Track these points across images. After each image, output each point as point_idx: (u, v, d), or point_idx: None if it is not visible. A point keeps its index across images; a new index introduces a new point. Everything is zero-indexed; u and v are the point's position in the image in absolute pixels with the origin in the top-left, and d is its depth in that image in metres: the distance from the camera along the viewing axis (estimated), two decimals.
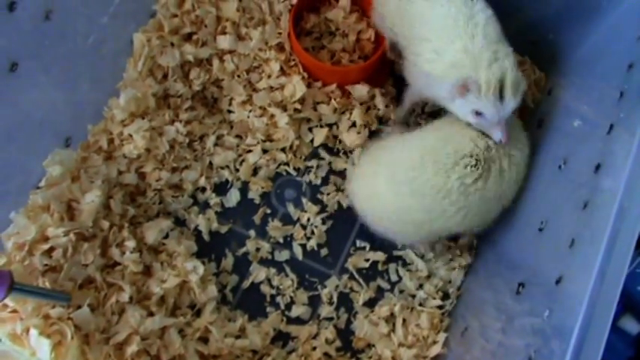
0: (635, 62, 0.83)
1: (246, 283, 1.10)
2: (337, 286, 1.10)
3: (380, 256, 1.13)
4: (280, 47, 1.17)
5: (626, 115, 0.78)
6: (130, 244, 1.03)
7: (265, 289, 1.10)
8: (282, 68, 1.16)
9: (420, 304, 1.09)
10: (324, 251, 1.13)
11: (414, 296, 1.10)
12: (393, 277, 1.12)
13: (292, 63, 1.17)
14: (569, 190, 0.86)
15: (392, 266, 1.13)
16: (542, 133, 1.09)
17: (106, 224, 1.02)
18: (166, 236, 1.08)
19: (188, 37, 1.14)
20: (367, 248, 1.14)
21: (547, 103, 1.15)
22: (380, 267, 1.12)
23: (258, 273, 1.10)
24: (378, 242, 1.13)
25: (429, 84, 0.98)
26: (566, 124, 1.01)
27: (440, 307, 1.09)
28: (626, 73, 0.84)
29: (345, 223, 1.15)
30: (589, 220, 0.76)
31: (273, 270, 1.11)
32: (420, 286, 1.11)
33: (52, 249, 0.95)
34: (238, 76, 1.16)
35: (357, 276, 1.11)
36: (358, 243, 1.14)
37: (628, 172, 0.71)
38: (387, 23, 1.10)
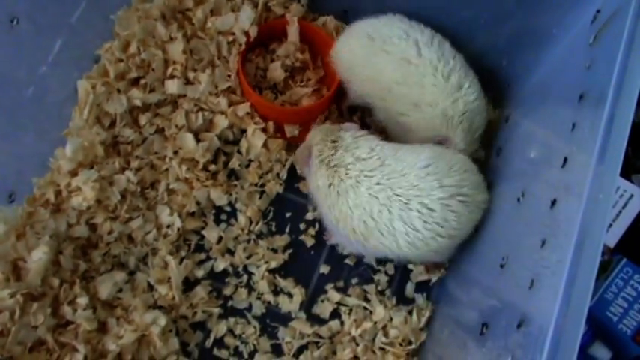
0: (585, 93, 0.81)
1: (208, 342, 1.06)
2: (299, 332, 1.07)
3: (341, 298, 1.10)
4: (231, 90, 1.15)
5: (577, 148, 0.76)
6: (83, 300, 0.98)
7: (229, 340, 1.06)
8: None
9: (384, 345, 1.05)
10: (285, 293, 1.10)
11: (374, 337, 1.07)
12: (357, 316, 1.09)
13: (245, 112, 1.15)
14: (528, 225, 0.84)
15: (355, 308, 1.09)
16: (501, 162, 1.07)
17: (56, 281, 0.98)
18: (121, 290, 1.03)
19: (135, 82, 1.11)
20: (329, 289, 1.11)
21: (504, 132, 1.14)
22: (343, 308, 1.10)
23: (219, 328, 1.06)
24: (341, 281, 1.11)
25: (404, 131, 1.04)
26: (523, 154, 0.99)
27: (408, 344, 1.06)
28: (577, 103, 0.82)
29: (307, 264, 1.13)
30: (547, 258, 0.73)
31: (232, 319, 1.08)
32: (384, 328, 1.07)
33: None
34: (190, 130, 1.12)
35: (319, 319, 1.09)
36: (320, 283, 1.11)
37: (583, 210, 0.69)
38: (357, 92, 1.10)
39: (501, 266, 0.88)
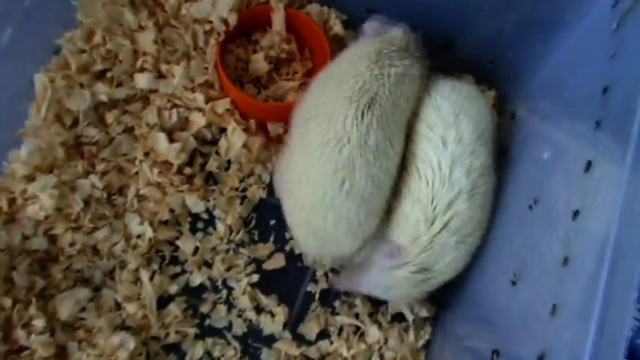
0: (609, 85, 0.71)
1: None
2: (285, 354, 0.97)
3: (330, 316, 1.01)
4: (208, 85, 1.05)
5: (605, 149, 0.66)
6: (39, 322, 0.89)
7: None
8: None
9: None
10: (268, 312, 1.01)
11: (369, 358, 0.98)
12: (348, 336, 1.00)
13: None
14: (544, 238, 0.74)
15: (346, 327, 1.00)
16: (508, 163, 0.97)
17: (8, 302, 0.88)
18: (84, 309, 0.94)
19: (100, 76, 1.01)
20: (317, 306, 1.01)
21: (510, 129, 1.03)
22: (332, 327, 1.01)
23: (195, 350, 0.96)
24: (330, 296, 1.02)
25: None
26: (534, 155, 0.89)
27: None
28: (600, 97, 0.71)
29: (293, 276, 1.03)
30: (572, 278, 0.63)
31: (210, 340, 0.98)
32: (379, 349, 0.97)
33: None
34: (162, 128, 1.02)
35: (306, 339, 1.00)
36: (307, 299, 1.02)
37: (617, 223, 0.58)
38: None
39: (513, 283, 0.77)
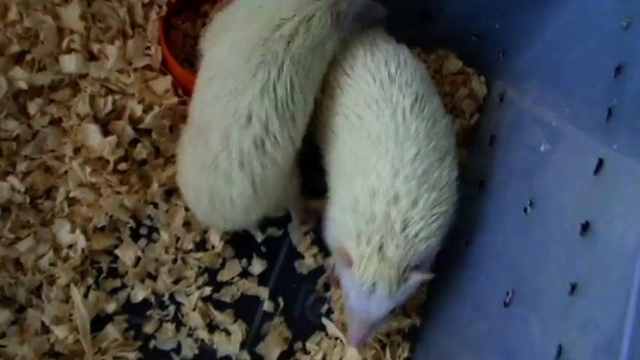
0: (624, 64, 0.57)
1: None
2: None
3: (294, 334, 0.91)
4: (149, 68, 0.97)
5: (619, 147, 0.53)
6: None
7: None
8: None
9: None
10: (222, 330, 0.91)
11: None
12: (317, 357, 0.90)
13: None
14: (545, 250, 0.62)
15: (313, 347, 0.90)
16: (496, 154, 0.86)
17: None
18: (4, 334, 0.85)
19: (19, 59, 0.94)
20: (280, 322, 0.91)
21: (499, 113, 0.92)
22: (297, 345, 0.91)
23: None
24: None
25: None
26: (527, 145, 0.78)
27: None
28: (612, 80, 0.58)
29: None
30: (585, 312, 0.50)
31: None
32: None
33: None
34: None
35: None
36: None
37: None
38: None
39: (505, 305, 0.65)
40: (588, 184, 0.56)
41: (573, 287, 0.52)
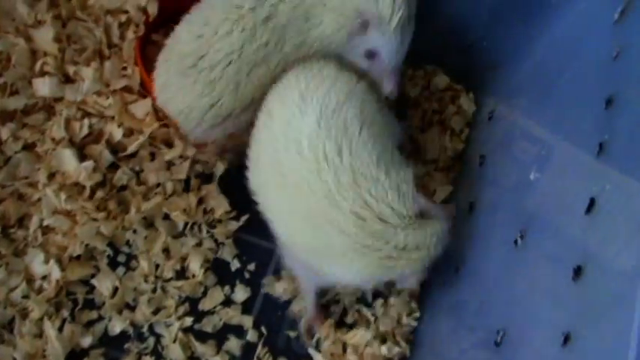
0: (614, 95, 0.54)
1: None
2: None
3: None
4: (128, 89, 0.94)
5: (614, 187, 0.50)
6: None
7: None
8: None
9: None
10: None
11: None
12: None
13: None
14: (537, 291, 0.59)
15: None
16: (485, 175, 0.83)
17: None
18: None
19: None
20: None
21: (488, 132, 0.89)
22: None
23: None
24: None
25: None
26: (519, 169, 0.75)
27: None
28: (603, 111, 0.55)
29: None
30: None
31: None
32: None
33: None
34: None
35: None
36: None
37: None
38: None
39: (496, 344, 0.62)
40: (581, 224, 0.53)
41: (566, 338, 0.49)
